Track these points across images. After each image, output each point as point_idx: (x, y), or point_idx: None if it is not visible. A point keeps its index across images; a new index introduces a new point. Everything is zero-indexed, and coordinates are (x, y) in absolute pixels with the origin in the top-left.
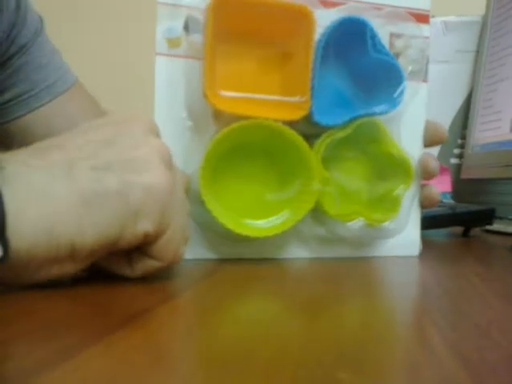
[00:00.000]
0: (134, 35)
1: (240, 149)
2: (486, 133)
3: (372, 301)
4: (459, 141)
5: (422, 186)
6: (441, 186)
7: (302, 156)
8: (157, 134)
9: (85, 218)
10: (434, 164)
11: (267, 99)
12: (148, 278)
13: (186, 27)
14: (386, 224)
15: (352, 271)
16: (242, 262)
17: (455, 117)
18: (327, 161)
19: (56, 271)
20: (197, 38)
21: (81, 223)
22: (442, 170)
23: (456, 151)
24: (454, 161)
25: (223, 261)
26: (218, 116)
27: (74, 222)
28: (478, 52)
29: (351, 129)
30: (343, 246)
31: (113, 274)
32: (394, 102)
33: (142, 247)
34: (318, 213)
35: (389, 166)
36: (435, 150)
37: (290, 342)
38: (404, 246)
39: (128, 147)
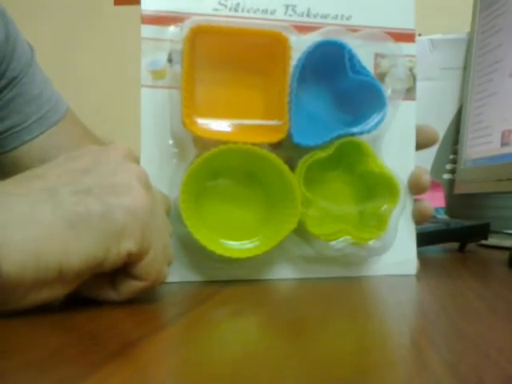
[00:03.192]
0: (119, 69)
1: (224, 172)
2: (477, 148)
3: (368, 322)
4: (451, 156)
5: (415, 201)
6: (434, 202)
7: (283, 177)
8: (134, 160)
9: (70, 240)
10: (426, 178)
11: (247, 124)
12: (140, 307)
13: (170, 59)
14: (372, 242)
15: (346, 291)
16: (235, 285)
17: (446, 132)
18: (312, 181)
19: (45, 295)
20: (180, 69)
21: (66, 245)
22: (436, 186)
23: (448, 167)
24: (446, 176)
25: (216, 285)
26: (198, 142)
27: (60, 244)
28: (465, 69)
29: (332, 149)
30: (335, 265)
31: (99, 301)
32: (374, 122)
33: (126, 268)
34: (305, 233)
35: (375, 185)
36: (427, 166)
37: (286, 368)
38: (400, 265)
39: (107, 173)
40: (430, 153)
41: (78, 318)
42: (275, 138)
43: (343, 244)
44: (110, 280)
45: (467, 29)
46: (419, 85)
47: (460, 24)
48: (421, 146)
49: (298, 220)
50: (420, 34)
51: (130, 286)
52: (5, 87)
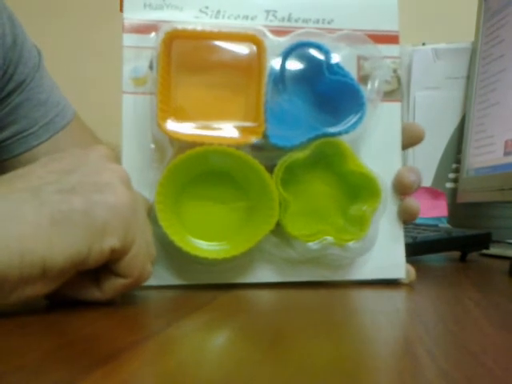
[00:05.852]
0: (101, 76)
1: (202, 174)
2: (480, 157)
3: (364, 329)
4: (454, 165)
5: (402, 200)
6: (437, 211)
7: (261, 179)
8: (115, 160)
9: (54, 237)
10: (410, 177)
11: (222, 126)
12: (133, 313)
13: (151, 66)
14: (352, 243)
15: (341, 298)
16: (229, 294)
17: (449, 141)
18: (292, 182)
19: (28, 292)
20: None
21: (50, 242)
22: (438, 195)
23: (451, 176)
24: (449, 185)
25: (209, 293)
26: (175, 144)
27: (44, 241)
28: (469, 78)
29: (310, 150)
30: (319, 268)
31: (86, 302)
32: (352, 122)
33: (109, 265)
34: (286, 234)
35: (355, 185)
36: (430, 175)
37: (279, 380)
38: (387, 268)
39: (89, 173)
40: (433, 162)
41: (72, 322)
42: (250, 139)
43: (323, 244)
44: (94, 279)
45: (471, 38)
46: (423, 94)
47: (464, 33)
48: (407, 144)
49: (277, 221)
50: (424, 43)
51: (114, 284)
52: (13, 91)
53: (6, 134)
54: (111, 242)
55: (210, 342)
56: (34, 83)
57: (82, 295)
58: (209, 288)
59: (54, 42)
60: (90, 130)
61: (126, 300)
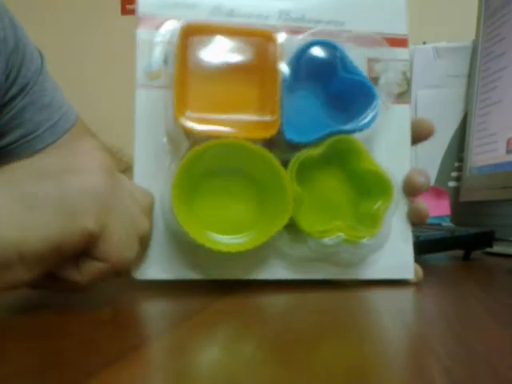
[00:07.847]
0: (101, 78)
1: (217, 168)
2: (482, 155)
3: (368, 328)
4: (456, 164)
5: (411, 202)
6: (440, 210)
7: (275, 173)
8: (105, 151)
9: (26, 222)
10: (420, 179)
11: (239, 120)
12: (136, 316)
13: (166, 61)
14: (365, 240)
15: (344, 299)
16: (224, 300)
17: (451, 140)
18: (305, 179)
19: (10, 278)
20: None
21: (22, 226)
22: (441, 194)
23: (454, 174)
24: (452, 184)
25: (215, 293)
26: (191, 137)
27: (16, 225)
28: (470, 76)
29: (324, 147)
30: (330, 266)
31: (70, 289)
32: (366, 120)
33: (87, 250)
34: (299, 231)
35: (368, 183)
36: (433, 174)
37: (283, 381)
38: (396, 268)
39: (68, 156)
40: (435, 161)
41: (74, 327)
42: (267, 133)
43: (336, 241)
44: (75, 262)
45: (472, 36)
46: (425, 92)
47: (464, 32)
48: (417, 139)
49: (290, 217)
50: (425, 42)
51: (93, 268)
52: (17, 95)
53: (12, 137)
54: (84, 224)
55: (214, 343)
56: (37, 86)
57: (61, 274)
58: (213, 289)
59: (53, 44)
60: (93, 133)
61: (128, 303)
